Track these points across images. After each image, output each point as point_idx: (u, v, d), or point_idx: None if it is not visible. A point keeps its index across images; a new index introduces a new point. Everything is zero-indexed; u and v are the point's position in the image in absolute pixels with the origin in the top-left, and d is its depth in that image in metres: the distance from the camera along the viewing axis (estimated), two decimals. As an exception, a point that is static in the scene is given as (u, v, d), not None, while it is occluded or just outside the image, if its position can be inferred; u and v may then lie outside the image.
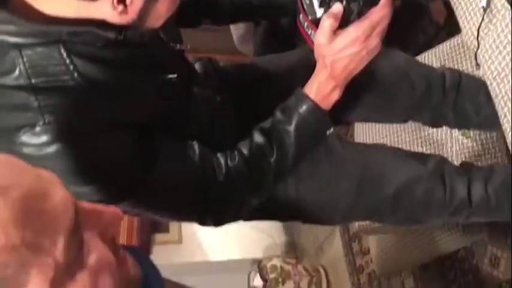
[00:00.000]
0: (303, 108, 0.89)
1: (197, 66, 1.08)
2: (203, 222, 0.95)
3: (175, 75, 0.88)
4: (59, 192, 0.45)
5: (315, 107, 0.89)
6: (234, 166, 0.89)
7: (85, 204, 0.48)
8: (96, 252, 0.47)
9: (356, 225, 1.52)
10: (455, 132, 1.33)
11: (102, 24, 0.75)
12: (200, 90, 0.99)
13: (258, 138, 0.90)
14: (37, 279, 0.42)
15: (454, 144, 1.34)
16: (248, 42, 2.05)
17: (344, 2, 0.82)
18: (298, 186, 1.03)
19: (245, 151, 0.90)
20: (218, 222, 0.95)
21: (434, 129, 1.37)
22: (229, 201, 0.91)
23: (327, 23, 0.83)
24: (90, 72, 0.76)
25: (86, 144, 0.75)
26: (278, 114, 0.91)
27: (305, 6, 0.85)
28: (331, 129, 0.92)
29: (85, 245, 0.47)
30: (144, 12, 0.76)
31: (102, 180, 0.77)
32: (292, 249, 2.90)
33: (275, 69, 1.14)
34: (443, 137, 1.36)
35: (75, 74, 0.75)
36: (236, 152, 0.91)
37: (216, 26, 1.18)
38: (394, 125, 1.27)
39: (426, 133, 1.38)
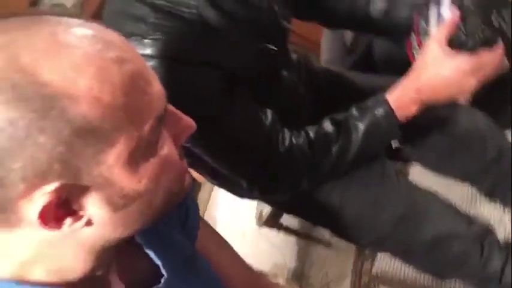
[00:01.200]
0: (380, 110, 0.90)
1: (293, 55, 1.12)
2: (250, 189, 0.96)
3: (274, 48, 0.93)
4: (157, 84, 0.51)
5: (391, 113, 0.89)
6: (298, 144, 0.92)
7: (170, 106, 0.54)
8: (168, 148, 0.52)
9: (374, 270, 1.51)
10: (506, 214, 1.32)
11: None
12: (288, 75, 1.03)
13: (327, 125, 0.93)
14: (122, 145, 0.47)
15: (499, 225, 1.32)
16: (335, 65, 2.09)
17: (463, 35, 0.82)
18: (343, 193, 1.04)
19: (311, 134, 0.93)
20: (263, 193, 0.98)
21: (486, 204, 1.36)
22: (283, 175, 0.94)
23: (443, 29, 0.84)
24: (208, 15, 0.83)
25: (178, 72, 0.81)
26: (353, 110, 0.93)
27: (420, 26, 0.88)
28: (397, 143, 0.93)
29: (161, 138, 0.51)
30: None
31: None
32: (299, 277, 2.87)
33: (363, 86, 1.17)
34: (491, 214, 1.34)
35: (195, 11, 0.82)
36: (303, 132, 0.93)
37: (323, 26, 1.21)
38: (450, 182, 1.27)
39: (478, 203, 1.37)
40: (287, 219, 2.06)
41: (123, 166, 0.47)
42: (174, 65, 0.80)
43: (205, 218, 2.90)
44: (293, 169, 0.93)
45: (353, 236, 1.12)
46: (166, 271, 0.60)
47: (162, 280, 0.59)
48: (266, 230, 2.26)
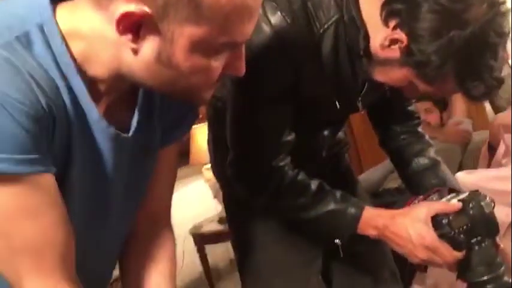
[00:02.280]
0: (352, 210, 1.01)
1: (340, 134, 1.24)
2: (232, 163, 1.07)
3: (338, 107, 1.02)
4: (252, 26, 0.65)
5: (357, 219, 1.01)
6: (286, 171, 1.03)
7: (243, 48, 0.69)
8: (217, 65, 0.66)
9: None
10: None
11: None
12: (325, 135, 1.17)
13: (314, 182, 1.04)
14: (201, 32, 0.61)
15: None
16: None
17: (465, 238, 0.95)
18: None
19: (300, 176, 1.03)
20: (234, 175, 1.08)
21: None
22: (256, 177, 1.05)
23: (440, 206, 0.95)
24: (324, 45, 0.96)
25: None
26: (338, 192, 1.05)
27: (429, 198, 1.00)
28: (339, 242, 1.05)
29: (221, 55, 0.66)
30: None
31: None
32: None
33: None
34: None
35: (324, 26, 0.95)
36: (296, 170, 1.03)
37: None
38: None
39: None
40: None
41: (187, 43, 0.61)
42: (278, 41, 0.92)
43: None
44: (267, 181, 1.02)
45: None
46: (134, 131, 0.74)
47: (130, 133, 0.74)
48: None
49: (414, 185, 1.17)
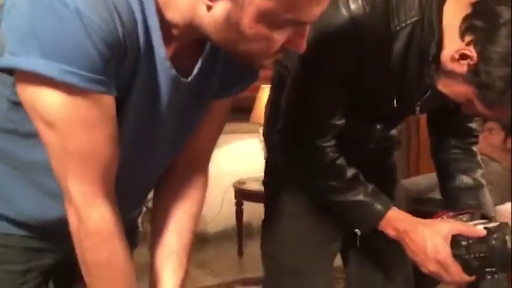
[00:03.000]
0: (378, 207, 1.04)
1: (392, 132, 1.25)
2: (281, 128, 1.12)
3: (395, 106, 1.04)
4: (319, 11, 0.69)
5: (381, 216, 1.04)
6: (328, 152, 1.06)
7: (308, 26, 0.73)
8: (278, 38, 0.71)
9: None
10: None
11: None
12: (376, 129, 1.18)
13: (350, 170, 1.07)
14: (269, 3, 0.65)
15: None
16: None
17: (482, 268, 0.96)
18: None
19: (340, 160, 1.07)
20: (280, 140, 1.13)
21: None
22: (297, 149, 1.11)
23: (463, 228, 0.96)
24: (397, 44, 0.97)
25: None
26: (371, 186, 1.07)
27: (458, 217, 1.01)
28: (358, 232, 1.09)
29: (285, 29, 0.70)
30: None
31: None
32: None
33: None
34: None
35: (398, 27, 0.95)
36: (337, 154, 1.07)
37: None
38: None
39: None
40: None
41: (255, 12, 0.66)
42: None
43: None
44: (307, 157, 1.07)
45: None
46: (193, 77, 0.80)
47: (189, 78, 0.80)
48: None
49: (451, 201, 1.18)
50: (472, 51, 0.86)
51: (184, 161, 0.95)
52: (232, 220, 3.32)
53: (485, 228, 0.96)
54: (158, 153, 0.88)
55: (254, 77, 0.93)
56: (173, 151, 0.92)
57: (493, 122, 2.56)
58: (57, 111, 0.69)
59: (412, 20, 0.94)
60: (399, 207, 1.15)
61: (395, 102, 1.04)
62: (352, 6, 0.93)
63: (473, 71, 0.86)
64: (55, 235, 0.85)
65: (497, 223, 0.97)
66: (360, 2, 0.93)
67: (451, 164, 1.20)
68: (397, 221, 1.03)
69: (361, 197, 1.05)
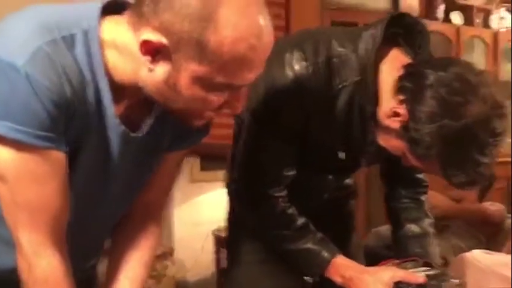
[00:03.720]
0: (325, 254, 1.09)
1: (347, 181, 1.31)
2: (233, 180, 1.20)
3: (343, 157, 1.10)
4: (254, 75, 0.77)
5: (328, 262, 1.09)
6: (279, 203, 1.12)
7: (245, 89, 0.81)
8: (214, 101, 0.77)
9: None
10: None
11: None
12: (329, 180, 1.24)
13: (300, 218, 1.12)
14: (203, 69, 0.73)
15: None
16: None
17: None
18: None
19: (291, 210, 1.12)
20: (232, 192, 1.22)
21: None
22: (250, 200, 1.16)
23: (403, 274, 1.01)
24: (339, 102, 1.04)
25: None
26: (319, 234, 1.12)
27: (403, 264, 1.06)
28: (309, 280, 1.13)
29: (221, 92, 0.76)
30: None
31: None
32: None
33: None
34: None
35: (340, 86, 1.03)
36: (288, 204, 1.12)
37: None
38: None
39: None
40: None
41: (190, 76, 0.73)
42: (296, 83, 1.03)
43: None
44: (259, 206, 1.12)
45: None
46: (144, 132, 0.86)
47: (140, 133, 0.86)
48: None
49: (400, 248, 1.23)
50: (402, 109, 0.93)
51: (138, 211, 1.00)
52: (212, 267, 3.31)
53: (426, 275, 1.00)
54: (111, 205, 0.93)
55: (206, 131, 0.99)
56: (126, 203, 0.97)
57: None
58: (7, 165, 0.74)
59: (353, 79, 1.02)
60: (355, 255, 1.20)
61: (342, 155, 1.09)
62: (296, 66, 1.01)
63: (404, 127, 0.93)
64: (9, 284, 0.88)
65: (438, 270, 1.02)
66: (303, 63, 1.01)
67: (401, 213, 1.25)
68: (343, 268, 1.07)
69: (309, 245, 1.09)
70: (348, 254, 1.13)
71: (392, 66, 0.98)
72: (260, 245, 1.20)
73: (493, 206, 2.52)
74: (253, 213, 1.15)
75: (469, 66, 0.94)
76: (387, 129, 0.98)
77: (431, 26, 4.13)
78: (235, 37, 0.71)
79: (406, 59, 1.00)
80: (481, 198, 2.61)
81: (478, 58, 4.49)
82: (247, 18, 0.72)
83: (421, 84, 0.90)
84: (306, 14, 3.21)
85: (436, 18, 4.18)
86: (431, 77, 0.90)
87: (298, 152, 1.09)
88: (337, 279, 1.08)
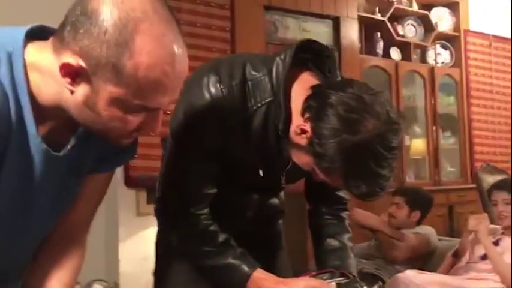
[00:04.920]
0: (245, 268, 1.12)
1: (273, 201, 1.34)
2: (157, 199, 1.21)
3: (262, 176, 1.14)
4: (169, 99, 0.82)
5: (247, 277, 1.11)
6: (202, 220, 1.15)
7: (161, 112, 0.85)
8: (132, 122, 0.82)
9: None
10: None
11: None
12: (254, 199, 1.27)
13: (222, 235, 1.14)
14: (120, 92, 0.77)
15: None
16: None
17: None
18: None
19: (213, 227, 1.15)
20: (156, 209, 1.21)
21: None
22: (171, 215, 1.18)
23: (315, 284, 1.07)
24: (255, 120, 1.09)
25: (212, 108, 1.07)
26: (240, 250, 1.15)
27: (319, 275, 1.11)
28: None
29: (138, 113, 0.81)
30: None
31: None
32: None
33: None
34: None
35: (254, 107, 1.09)
36: (211, 221, 1.15)
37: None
38: None
39: None
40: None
41: (107, 98, 0.78)
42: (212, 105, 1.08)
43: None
44: (181, 224, 1.15)
45: None
46: (67, 152, 0.88)
47: (61, 153, 0.88)
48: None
49: (320, 262, 1.28)
50: (308, 127, 1.00)
51: (61, 233, 1.00)
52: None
53: (336, 283, 1.05)
54: (32, 227, 0.93)
55: (132, 153, 1.02)
56: (48, 225, 0.97)
57: (399, 196, 2.75)
58: None
59: (266, 100, 1.09)
60: (284, 273, 1.23)
61: (261, 173, 1.15)
62: (212, 89, 1.07)
63: (310, 143, 1.00)
64: None
65: (349, 280, 1.07)
66: (218, 86, 1.07)
67: (322, 229, 1.31)
68: (261, 281, 1.11)
69: (230, 260, 1.12)
70: (276, 273, 1.17)
71: (302, 88, 1.06)
72: (188, 265, 1.23)
73: (417, 236, 2.61)
74: (176, 231, 1.18)
75: (365, 87, 1.03)
76: (298, 146, 1.05)
77: (372, 61, 4.38)
78: (150, 63, 0.76)
79: (315, 81, 1.08)
80: (419, 223, 2.73)
81: (417, 91, 4.75)
82: (162, 46, 0.77)
83: (324, 103, 0.98)
84: (251, 49, 3.33)
85: (376, 54, 4.41)
86: (333, 96, 0.98)
87: (218, 171, 1.14)
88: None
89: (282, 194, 1.37)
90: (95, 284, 2.87)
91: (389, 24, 4.42)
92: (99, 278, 2.96)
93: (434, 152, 4.66)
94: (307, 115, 1.01)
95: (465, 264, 2.28)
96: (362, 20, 4.27)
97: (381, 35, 4.43)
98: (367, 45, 4.42)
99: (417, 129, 4.71)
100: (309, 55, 1.12)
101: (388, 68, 4.43)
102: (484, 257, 2.22)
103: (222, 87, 1.07)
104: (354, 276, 1.14)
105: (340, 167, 0.97)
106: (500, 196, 2.29)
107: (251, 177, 1.17)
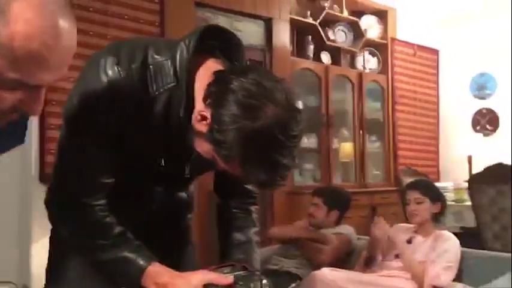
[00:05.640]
0: (141, 262, 1.05)
1: (181, 194, 1.28)
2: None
3: (162, 164, 1.09)
4: (51, 77, 0.74)
5: (142, 271, 1.04)
6: (97, 211, 1.07)
7: (43, 90, 0.77)
8: (9, 98, 0.74)
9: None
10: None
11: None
12: (157, 193, 1.21)
13: (117, 227, 1.07)
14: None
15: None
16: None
17: None
18: None
19: (109, 219, 1.08)
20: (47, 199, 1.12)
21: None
22: (61, 209, 1.10)
23: (212, 277, 1.03)
24: (157, 105, 1.04)
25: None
26: (137, 243, 1.08)
27: (220, 269, 1.07)
28: None
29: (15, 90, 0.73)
30: None
31: None
32: None
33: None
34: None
35: (156, 91, 1.04)
36: (108, 212, 1.08)
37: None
38: None
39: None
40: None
41: None
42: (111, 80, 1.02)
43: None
44: (74, 216, 1.08)
45: None
46: None
47: None
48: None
49: (224, 255, 1.24)
50: (208, 113, 0.97)
51: None
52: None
53: (234, 276, 1.03)
54: None
55: (18, 140, 0.94)
56: None
57: (317, 197, 2.78)
58: None
59: (169, 86, 1.03)
60: (191, 269, 1.17)
61: (162, 161, 1.10)
62: (109, 71, 1.00)
63: (210, 130, 0.97)
64: None
65: (248, 272, 1.05)
66: (116, 68, 1.00)
67: (229, 222, 1.27)
68: (158, 275, 1.05)
69: (125, 253, 1.05)
70: (181, 269, 1.12)
71: (206, 74, 1.02)
72: (80, 260, 1.15)
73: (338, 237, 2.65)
74: (68, 223, 1.09)
75: (267, 73, 1.00)
76: (199, 134, 1.00)
77: (302, 63, 4.44)
78: (27, 32, 0.69)
79: (220, 68, 1.05)
80: (338, 222, 2.78)
81: (346, 96, 4.88)
82: (43, 16, 0.70)
83: (224, 89, 0.95)
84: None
85: (307, 57, 4.48)
86: (234, 82, 0.95)
87: (117, 159, 1.07)
88: (151, 286, 1.05)
89: (191, 188, 1.32)
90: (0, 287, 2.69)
91: (320, 29, 4.51)
92: (7, 280, 2.78)
93: (361, 156, 4.80)
94: (208, 100, 0.97)
95: (380, 262, 2.34)
96: (294, 23, 4.33)
97: (312, 38, 4.50)
98: (299, 47, 4.48)
99: (345, 132, 4.83)
100: (217, 42, 1.08)
101: (318, 71, 4.51)
102: (398, 255, 2.29)
103: (120, 69, 1.00)
104: (258, 270, 1.12)
105: (239, 155, 0.94)
106: (412, 195, 2.38)
107: (151, 167, 1.11)
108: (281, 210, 4.05)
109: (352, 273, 2.18)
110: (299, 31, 4.46)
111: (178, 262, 1.22)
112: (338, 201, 2.76)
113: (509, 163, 3.21)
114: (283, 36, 4.19)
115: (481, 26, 5.29)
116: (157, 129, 1.05)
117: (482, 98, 5.36)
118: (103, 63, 1.01)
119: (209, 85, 0.99)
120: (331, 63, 4.66)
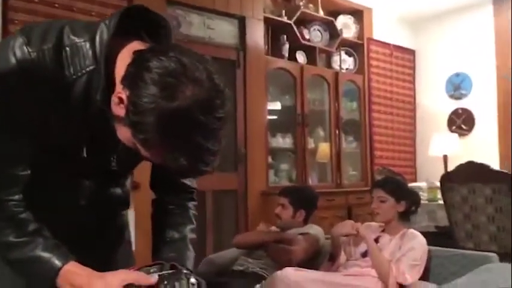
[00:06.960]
0: (56, 261, 0.98)
1: (114, 190, 1.20)
2: None
3: (84, 156, 1.03)
4: None
5: (57, 270, 0.97)
6: (11, 204, 1.00)
7: None
8: None
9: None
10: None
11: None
12: (86, 187, 1.12)
13: (32, 224, 1.00)
14: None
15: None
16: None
17: None
18: None
19: (26, 214, 1.00)
20: None
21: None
22: None
23: (134, 276, 0.96)
24: (75, 87, 0.97)
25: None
26: (50, 240, 1.00)
27: (152, 269, 1.00)
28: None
29: None
30: None
31: None
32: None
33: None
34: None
35: (73, 75, 0.97)
36: (23, 205, 1.00)
37: None
38: None
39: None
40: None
41: None
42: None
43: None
44: None
45: None
46: None
47: None
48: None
49: (155, 252, 1.17)
50: (124, 95, 0.90)
51: None
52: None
53: (159, 275, 0.97)
54: None
55: None
56: None
57: (283, 197, 2.73)
58: None
59: (88, 69, 0.96)
60: (125, 268, 1.09)
61: (84, 152, 1.03)
62: (18, 52, 0.93)
63: (127, 112, 0.90)
64: None
65: (174, 271, 0.98)
66: (25, 48, 0.93)
67: (163, 218, 1.20)
68: (73, 276, 0.97)
69: (38, 252, 0.98)
70: (114, 269, 1.04)
71: (128, 56, 0.95)
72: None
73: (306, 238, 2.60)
74: None
75: (189, 52, 0.92)
76: (119, 119, 0.93)
77: (277, 63, 4.39)
78: None
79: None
80: (306, 221, 2.73)
81: (323, 96, 4.85)
82: None
83: (141, 68, 0.88)
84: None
85: (282, 56, 4.44)
86: (153, 60, 0.88)
87: (33, 149, 0.99)
88: (65, 286, 0.97)
89: (127, 184, 1.24)
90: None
91: (295, 28, 4.47)
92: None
93: (337, 156, 4.77)
94: (125, 82, 0.91)
95: (346, 262, 2.30)
96: (268, 22, 4.29)
97: (287, 37, 4.47)
98: (274, 47, 4.44)
99: (321, 133, 4.80)
100: (143, 24, 1.02)
101: (293, 71, 4.47)
102: (365, 254, 2.25)
103: (30, 50, 0.93)
104: (188, 269, 1.05)
105: (158, 138, 0.87)
106: (376, 194, 2.34)
107: (76, 159, 1.03)
108: (255, 211, 4.00)
109: (316, 273, 2.13)
110: (274, 30, 4.42)
111: (110, 261, 1.16)
112: (304, 201, 2.71)
113: (480, 161, 3.20)
114: (257, 35, 4.15)
115: (456, 26, 5.31)
116: (76, 116, 0.98)
117: (458, 98, 5.38)
118: (12, 44, 0.94)
119: (128, 66, 0.92)
120: (307, 63, 4.63)
